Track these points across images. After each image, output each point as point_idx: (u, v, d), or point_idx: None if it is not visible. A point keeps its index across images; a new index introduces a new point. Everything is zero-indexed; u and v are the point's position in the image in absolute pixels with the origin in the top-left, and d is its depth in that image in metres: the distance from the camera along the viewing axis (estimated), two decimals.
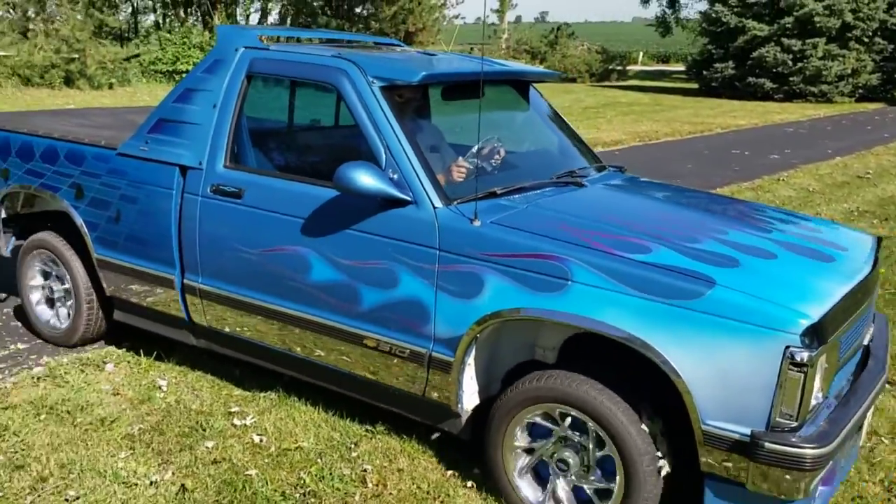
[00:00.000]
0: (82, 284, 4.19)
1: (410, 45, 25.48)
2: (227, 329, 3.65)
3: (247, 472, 3.10)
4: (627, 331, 2.59)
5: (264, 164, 3.69)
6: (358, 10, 35.21)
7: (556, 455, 2.84)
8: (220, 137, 3.54)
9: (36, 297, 4.46)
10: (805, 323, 2.43)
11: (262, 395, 3.74)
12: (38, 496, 2.93)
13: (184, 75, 21.27)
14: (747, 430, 2.46)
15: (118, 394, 3.74)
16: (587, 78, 33.68)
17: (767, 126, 17.20)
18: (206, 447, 3.28)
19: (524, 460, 2.93)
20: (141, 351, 4.18)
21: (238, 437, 3.37)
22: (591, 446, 2.75)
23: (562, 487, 2.85)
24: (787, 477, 2.44)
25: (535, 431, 2.90)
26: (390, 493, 3.03)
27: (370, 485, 3.08)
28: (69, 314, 4.31)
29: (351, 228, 3.12)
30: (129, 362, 4.11)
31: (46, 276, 4.42)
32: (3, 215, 4.54)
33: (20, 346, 4.37)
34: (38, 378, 3.90)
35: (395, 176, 3.05)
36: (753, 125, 17.23)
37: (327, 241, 3.18)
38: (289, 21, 30.27)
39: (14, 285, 4.60)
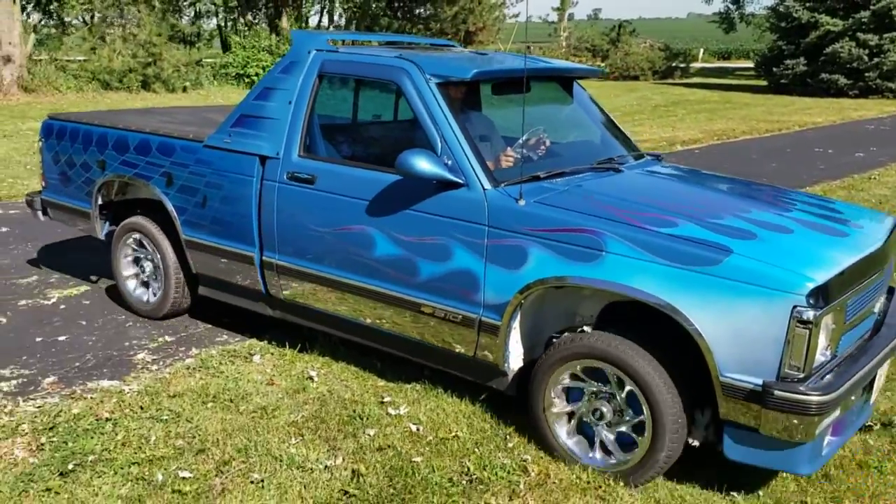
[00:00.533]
0: (171, 263, 4.65)
1: (470, 45, 25.65)
2: (300, 300, 4.09)
3: (413, 460, 3.24)
4: (656, 295, 2.95)
5: (333, 153, 4.14)
6: (419, 11, 35.51)
7: (591, 407, 3.21)
8: (294, 130, 3.99)
9: (128, 274, 4.93)
10: (810, 286, 2.78)
11: (408, 386, 3.86)
12: (226, 477, 3.11)
13: (254, 78, 21.88)
14: (760, 381, 2.82)
15: (272, 384, 3.91)
16: (650, 76, 33.35)
17: (846, 123, 16.82)
18: (369, 434, 3.41)
19: (566, 426, 3.30)
20: (286, 343, 4.37)
21: (394, 426, 3.50)
22: (617, 391, 3.13)
23: (607, 436, 3.20)
24: (795, 421, 2.79)
25: (571, 397, 3.29)
26: (553, 483, 3.12)
27: (532, 474, 3.18)
28: (158, 290, 4.75)
29: (410, 208, 3.55)
30: (272, 354, 4.29)
31: (137, 257, 4.88)
32: (100, 202, 4.98)
33: (167, 338, 4.59)
34: (192, 369, 4.10)
35: (450, 162, 3.46)
36: (831, 122, 16.88)
37: (389, 220, 3.61)
38: (354, 25, 30.62)
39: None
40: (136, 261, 4.91)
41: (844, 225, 3.46)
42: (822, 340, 2.87)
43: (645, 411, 3.05)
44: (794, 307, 2.75)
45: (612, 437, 3.19)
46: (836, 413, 2.92)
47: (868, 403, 3.36)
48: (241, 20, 29.79)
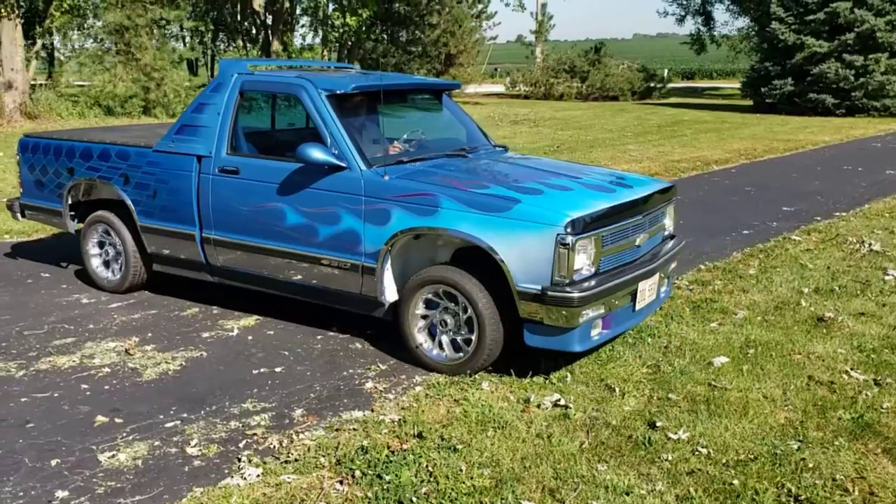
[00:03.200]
0: (130, 247, 5.76)
1: (451, 66, 25.68)
2: (232, 266, 5.23)
3: (731, 483, 3.29)
4: (471, 234, 4.22)
5: (253, 150, 5.31)
6: (401, 34, 35.71)
7: (440, 318, 4.45)
8: (223, 135, 5.19)
9: (95, 258, 6.02)
10: (568, 220, 4.02)
11: (677, 410, 3.94)
12: None
13: None
14: (539, 287, 4.05)
15: (527, 410, 3.94)
16: (629, 96, 34.03)
17: (853, 141, 17.39)
18: (668, 459, 3.47)
19: (421, 323, 4.52)
20: (511, 371, 4.40)
21: (678, 451, 3.54)
22: (461, 312, 4.36)
23: (444, 339, 4.48)
24: (564, 312, 4.03)
25: (429, 305, 4.49)
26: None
27: (855, 492, 3.26)
28: (119, 270, 5.88)
29: (309, 187, 4.76)
30: (497, 381, 4.30)
31: (102, 243, 5.98)
32: (70, 202, 6.07)
33: (381, 366, 4.57)
34: (431, 397, 4.09)
35: (336, 151, 4.69)
36: (838, 141, 17.43)
37: (295, 197, 4.82)
38: (337, 49, 30.58)
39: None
40: (101, 245, 5.99)
41: (619, 186, 4.71)
42: (584, 259, 4.11)
43: (473, 323, 4.29)
44: (557, 234, 4.01)
45: (451, 340, 4.44)
46: (602, 310, 4.19)
47: (636, 311, 4.55)
48: (232, 45, 29.63)
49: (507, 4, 27.94)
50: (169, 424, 3.82)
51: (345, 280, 4.73)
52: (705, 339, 4.89)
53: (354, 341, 4.94)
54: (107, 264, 5.98)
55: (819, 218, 8.81)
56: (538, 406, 3.96)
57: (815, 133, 18.79)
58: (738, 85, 35.91)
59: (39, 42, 21.54)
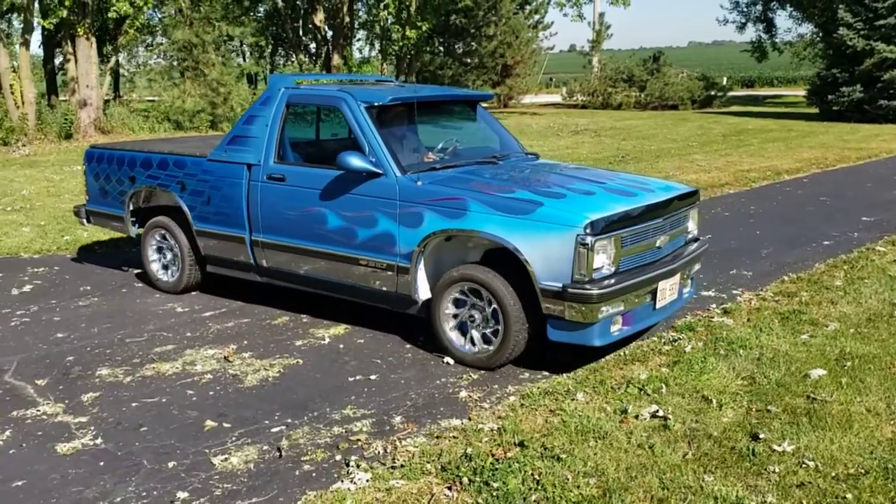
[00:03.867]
0: (185, 249, 6.15)
1: (507, 77, 25.70)
2: (279, 266, 5.57)
3: (844, 497, 3.25)
4: (497, 235, 4.50)
5: (298, 159, 5.64)
6: (457, 45, 35.95)
7: (469, 314, 4.73)
8: (270, 144, 5.54)
9: (154, 261, 6.44)
10: (587, 222, 4.28)
11: (783, 419, 3.91)
12: None
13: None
14: (560, 284, 4.31)
15: (626, 421, 3.95)
16: (689, 105, 33.60)
17: None
18: (775, 471, 3.44)
19: (452, 322, 4.80)
20: (605, 382, 4.42)
21: (784, 463, 3.50)
22: (486, 306, 4.65)
23: (475, 334, 4.74)
24: (584, 308, 4.29)
25: (458, 304, 4.78)
26: None
27: None
28: (176, 272, 6.28)
29: (349, 193, 5.09)
30: (590, 391, 4.32)
31: (160, 248, 6.40)
32: (131, 208, 6.52)
33: (473, 375, 4.62)
34: (526, 406, 4.11)
35: (373, 159, 4.99)
36: None
37: (336, 202, 5.15)
38: (395, 61, 30.93)
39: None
40: (160, 250, 6.39)
41: (640, 191, 4.92)
42: (603, 258, 4.36)
43: (498, 315, 4.55)
44: (577, 235, 4.27)
45: (480, 335, 4.71)
46: (621, 307, 4.44)
47: (656, 309, 4.77)
48: (291, 60, 30.22)
49: (565, 14, 27.86)
50: (275, 429, 3.93)
51: (381, 279, 5.04)
52: (798, 352, 4.82)
53: (443, 351, 5.00)
54: (164, 266, 6.39)
55: None
56: (636, 417, 3.97)
57: (888, 141, 18.29)
58: (800, 92, 35.25)
59: (113, 59, 22.29)
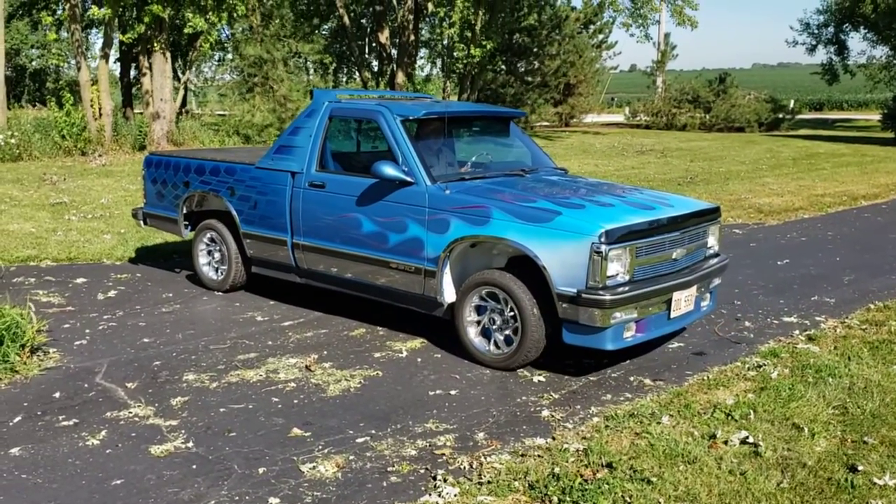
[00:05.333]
0: (233, 251, 6.56)
1: (570, 96, 25.58)
2: (317, 268, 5.89)
3: None
4: (517, 241, 4.73)
5: (337, 167, 5.97)
6: (520, 64, 36.01)
7: (490, 317, 4.97)
8: (313, 154, 5.88)
9: (204, 261, 6.86)
10: (602, 231, 4.47)
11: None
12: None
13: None
14: (575, 290, 4.51)
15: (715, 447, 3.86)
16: (755, 127, 33.00)
17: None
18: None
19: (475, 328, 5.05)
20: (690, 406, 4.34)
21: (887, 497, 3.38)
22: (505, 310, 4.87)
23: (499, 337, 4.95)
24: (597, 312, 4.47)
25: (479, 311, 5.04)
26: None
27: None
28: (223, 272, 6.68)
29: (382, 200, 5.38)
30: (674, 416, 4.26)
31: (210, 251, 6.80)
32: (185, 211, 6.93)
33: (553, 395, 4.59)
34: (610, 428, 4.07)
35: (406, 168, 5.27)
36: None
37: (370, 208, 5.44)
38: (457, 79, 31.11)
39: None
40: (209, 253, 6.80)
41: (659, 205, 5.09)
42: (617, 266, 4.54)
43: (517, 318, 4.77)
44: (592, 243, 4.46)
45: (500, 337, 4.93)
46: (634, 314, 4.61)
47: (671, 319, 4.92)
48: (354, 77, 30.71)
49: (631, 35, 27.71)
50: (360, 440, 3.96)
51: (409, 282, 5.30)
52: (892, 382, 4.67)
53: (521, 369, 4.98)
54: (213, 267, 6.80)
55: None
56: (725, 442, 3.88)
57: None
58: (872, 116, 34.29)
59: (188, 74, 22.94)
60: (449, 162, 5.86)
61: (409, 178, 5.24)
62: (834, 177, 15.78)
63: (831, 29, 37.29)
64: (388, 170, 5.21)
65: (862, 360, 5.04)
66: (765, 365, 4.97)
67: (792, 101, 47.70)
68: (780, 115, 34.31)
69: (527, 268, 4.83)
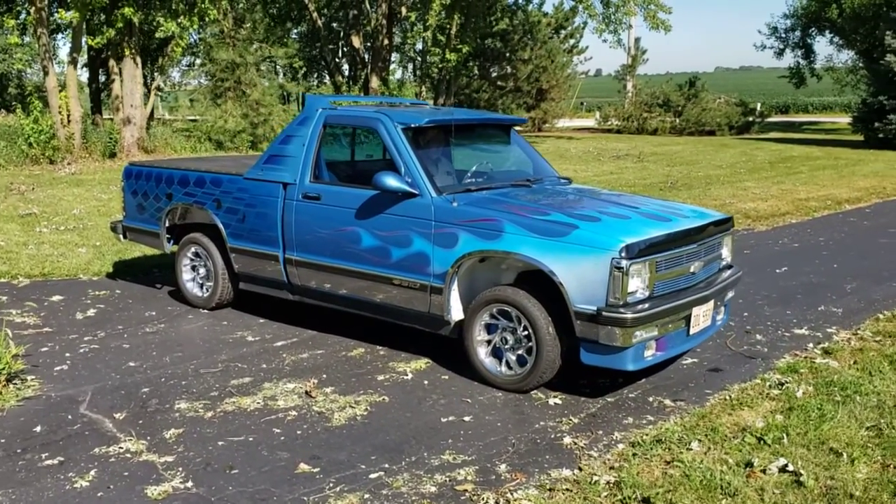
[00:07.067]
0: (219, 266, 6.20)
1: (542, 101, 25.73)
2: (311, 284, 5.57)
3: None
4: (532, 256, 4.48)
5: (333, 178, 5.66)
6: (492, 69, 35.85)
7: (502, 337, 4.69)
8: (307, 164, 5.56)
9: (188, 277, 6.50)
10: (622, 246, 4.25)
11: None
12: None
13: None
14: (595, 307, 4.27)
15: (752, 475, 3.64)
16: (726, 130, 33.17)
17: None
18: None
19: (486, 348, 4.77)
20: (718, 430, 4.12)
21: None
22: (518, 328, 4.62)
23: (511, 357, 4.70)
24: (617, 331, 4.24)
25: (490, 329, 4.77)
26: None
27: None
28: (209, 288, 6.32)
29: (384, 212, 5.09)
30: (703, 441, 4.03)
31: (194, 265, 6.45)
32: (167, 224, 6.57)
33: (573, 419, 4.34)
34: (639, 456, 3.82)
35: (409, 179, 5.00)
36: None
37: (370, 221, 5.15)
38: (429, 83, 30.90)
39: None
40: (194, 268, 6.45)
41: (675, 216, 4.88)
42: (638, 282, 4.31)
43: (531, 337, 4.52)
44: (612, 259, 4.23)
45: (513, 357, 4.68)
46: (655, 332, 4.38)
47: (690, 336, 4.71)
48: (324, 81, 30.33)
49: (604, 41, 27.59)
50: (373, 475, 3.68)
51: (414, 299, 5.02)
52: None
53: (535, 391, 4.73)
54: (197, 283, 6.44)
55: None
56: (763, 471, 3.67)
57: None
58: (837, 119, 34.74)
59: (159, 79, 22.41)
60: (452, 172, 5.57)
61: (413, 190, 4.97)
62: (813, 180, 15.79)
63: (798, 33, 37.77)
64: (391, 181, 4.93)
65: (885, 376, 4.87)
66: (787, 382, 4.77)
67: (759, 105, 48.24)
68: (751, 119, 34.57)
69: (538, 284, 4.59)
